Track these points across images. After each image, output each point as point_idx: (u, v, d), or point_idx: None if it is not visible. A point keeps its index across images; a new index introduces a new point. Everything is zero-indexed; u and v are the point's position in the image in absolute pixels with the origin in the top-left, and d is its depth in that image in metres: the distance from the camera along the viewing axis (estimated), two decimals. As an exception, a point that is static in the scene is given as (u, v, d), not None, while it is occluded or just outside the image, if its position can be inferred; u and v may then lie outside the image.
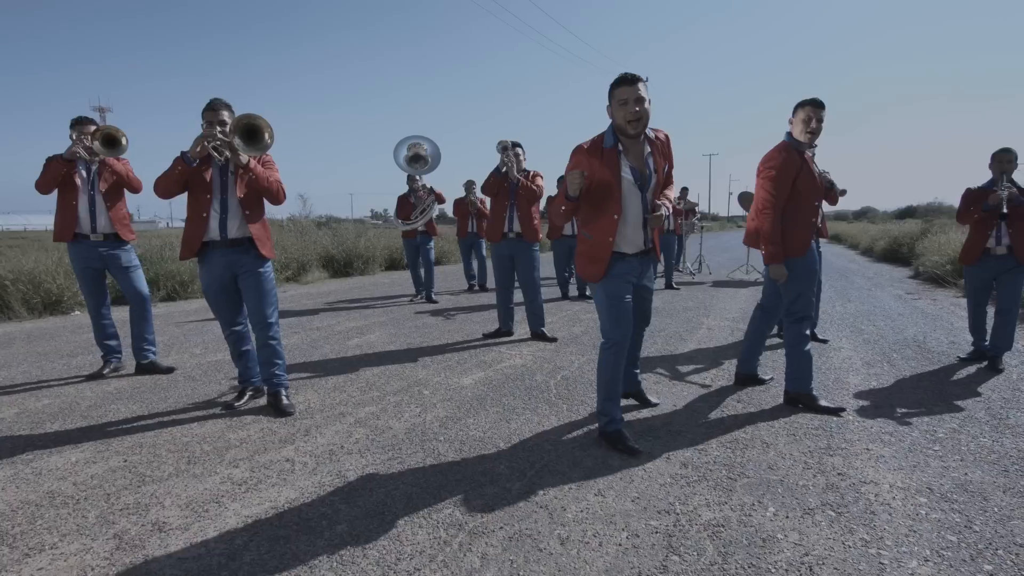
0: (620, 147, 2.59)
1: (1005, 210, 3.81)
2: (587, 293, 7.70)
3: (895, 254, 13.30)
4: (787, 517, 2.09)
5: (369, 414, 3.15)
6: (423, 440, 2.78)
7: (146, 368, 4.08)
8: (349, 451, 2.66)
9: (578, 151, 2.62)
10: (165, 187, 3.06)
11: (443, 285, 9.48)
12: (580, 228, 2.77)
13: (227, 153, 3.01)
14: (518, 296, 5.27)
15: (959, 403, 3.35)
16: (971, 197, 4.12)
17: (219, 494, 2.26)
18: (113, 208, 3.98)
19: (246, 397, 3.34)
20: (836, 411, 3.18)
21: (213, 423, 3.04)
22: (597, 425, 2.82)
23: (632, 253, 2.70)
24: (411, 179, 7.40)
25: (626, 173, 2.59)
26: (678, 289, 8.61)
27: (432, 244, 7.62)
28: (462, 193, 8.38)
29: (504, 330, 5.17)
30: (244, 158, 3.04)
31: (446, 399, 3.41)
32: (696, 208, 10.46)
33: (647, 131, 2.65)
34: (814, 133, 3.12)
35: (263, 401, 3.31)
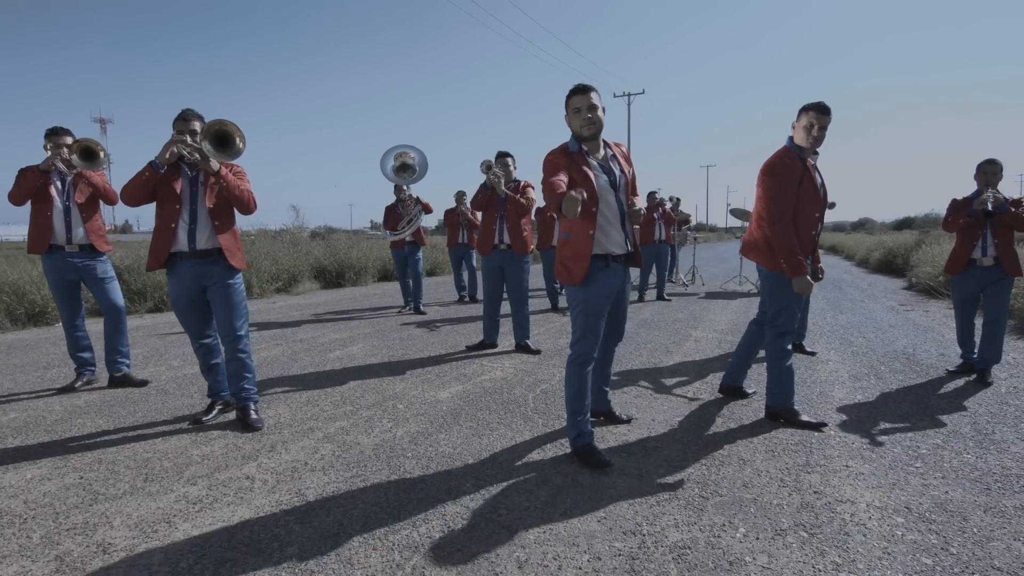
0: (585, 149, 2.63)
1: (990, 207, 3.76)
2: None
3: (890, 265, 13.26)
4: (757, 538, 2.01)
5: (339, 429, 3.08)
6: (390, 456, 2.71)
7: (119, 381, 4.01)
8: (312, 468, 2.58)
9: (553, 154, 2.62)
10: (131, 194, 3.01)
11: (434, 296, 9.42)
12: (560, 232, 2.76)
13: (197, 158, 2.97)
14: (506, 308, 5.21)
15: (944, 418, 3.27)
16: (956, 206, 4.08)
17: (171, 513, 2.18)
18: (89, 219, 3.93)
19: (215, 411, 3.26)
20: (817, 426, 3.10)
21: (178, 438, 2.96)
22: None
23: (617, 254, 2.67)
24: (398, 189, 7.37)
25: (597, 172, 2.63)
26: (669, 300, 8.55)
27: (420, 255, 7.57)
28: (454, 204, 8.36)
29: (488, 342, 5.11)
30: (215, 165, 3.00)
31: (420, 413, 3.33)
32: (689, 219, 10.43)
33: (606, 139, 2.73)
34: (816, 140, 2.98)
35: (233, 416, 3.24)
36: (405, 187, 7.31)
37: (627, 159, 2.79)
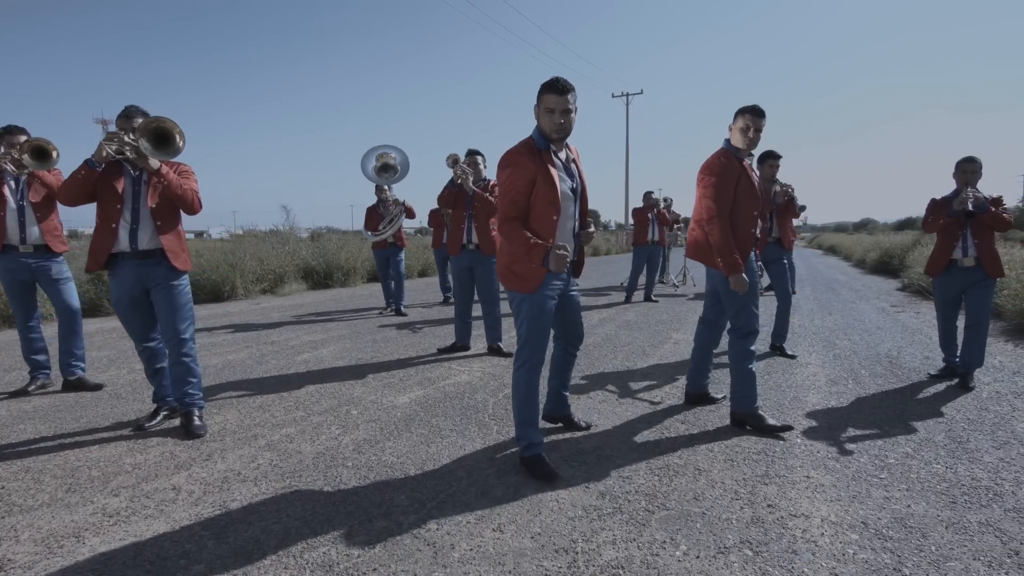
0: (552, 148, 2.50)
1: (971, 207, 3.62)
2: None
3: (886, 266, 13.08)
4: (698, 557, 1.89)
5: (284, 436, 2.96)
6: (329, 466, 2.59)
7: (73, 385, 3.90)
8: (245, 478, 2.46)
9: (517, 154, 2.44)
10: (68, 193, 2.91)
11: (419, 297, 9.31)
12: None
13: (134, 156, 2.86)
14: (477, 310, 5.09)
15: (919, 424, 3.14)
16: (935, 206, 3.95)
17: (83, 527, 2.07)
18: (44, 219, 3.83)
19: (159, 417, 3.15)
20: (784, 430, 2.98)
21: (115, 446, 2.85)
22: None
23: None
24: (379, 189, 7.26)
25: (563, 176, 2.51)
26: (656, 302, 8.42)
27: (402, 256, 7.45)
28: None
29: (460, 345, 4.99)
30: (155, 163, 2.90)
31: (372, 420, 3.21)
32: (680, 219, 10.28)
33: (568, 142, 2.62)
34: (752, 142, 3.01)
35: (178, 422, 3.12)
36: (387, 187, 7.20)
37: (579, 164, 2.68)
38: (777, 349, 4.88)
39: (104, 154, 2.84)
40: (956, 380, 3.96)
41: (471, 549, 1.92)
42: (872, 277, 12.65)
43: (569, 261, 2.59)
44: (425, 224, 8.87)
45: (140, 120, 2.98)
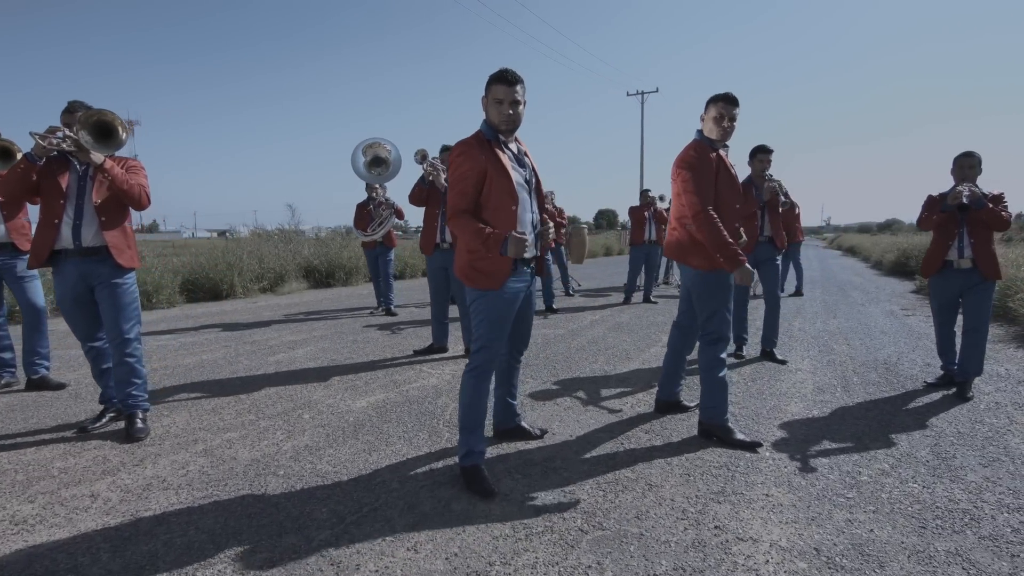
0: (502, 139, 2.38)
1: (965, 201, 3.36)
2: (552, 306, 7.34)
3: (903, 267, 12.63)
4: (622, 585, 1.72)
5: (224, 441, 2.85)
6: (259, 474, 2.47)
7: (36, 384, 3.86)
8: (168, 486, 2.36)
9: (466, 146, 2.31)
10: (6, 187, 2.84)
11: (415, 297, 9.21)
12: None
13: (74, 149, 2.78)
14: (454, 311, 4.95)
15: (903, 438, 2.91)
16: (931, 202, 3.69)
17: (-16, 537, 1.98)
18: (11, 218, 3.81)
19: (105, 419, 3.07)
20: (752, 446, 2.78)
21: (52, 448, 2.77)
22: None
23: (527, 258, 2.44)
24: (370, 188, 7.16)
25: (514, 165, 2.38)
26: (655, 303, 8.19)
27: (392, 256, 7.36)
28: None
29: (437, 346, 4.86)
30: (98, 158, 2.82)
31: (322, 425, 3.09)
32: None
33: (517, 136, 2.49)
34: (726, 131, 2.81)
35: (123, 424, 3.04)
36: (378, 187, 7.10)
37: (531, 158, 2.55)
38: (767, 354, 4.65)
39: (45, 145, 2.77)
40: (954, 389, 3.71)
41: (376, 571, 1.78)
42: (888, 279, 12.20)
43: (532, 258, 2.46)
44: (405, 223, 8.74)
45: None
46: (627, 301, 8.28)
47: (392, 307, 7.29)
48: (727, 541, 1.96)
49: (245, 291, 9.49)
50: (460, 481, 2.37)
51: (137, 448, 2.77)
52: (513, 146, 2.44)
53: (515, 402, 2.82)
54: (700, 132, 2.88)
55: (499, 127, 2.33)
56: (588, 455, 2.69)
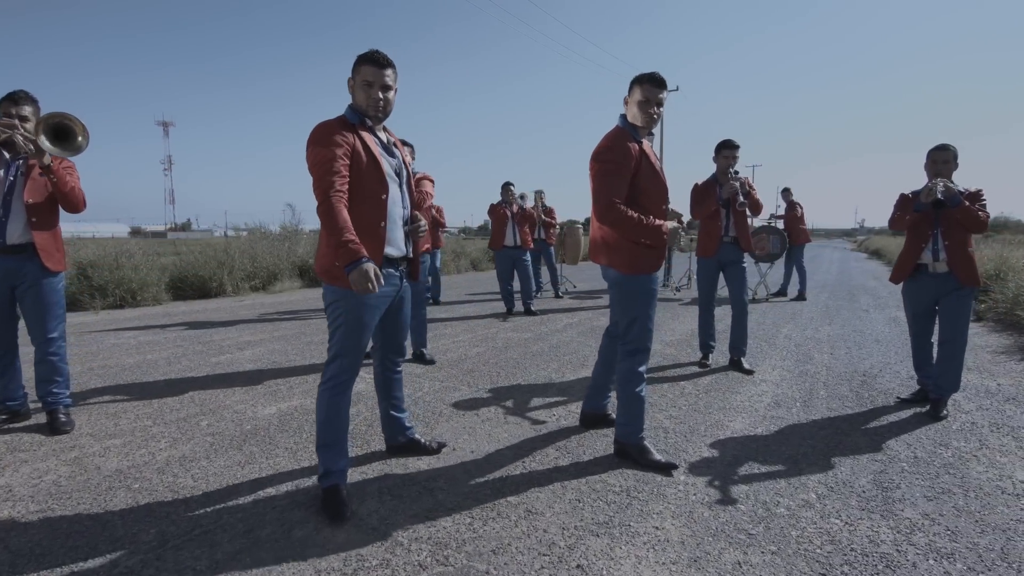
0: (369, 124, 2.16)
1: (940, 196, 2.99)
2: (532, 308, 7.07)
3: (924, 271, 11.93)
4: (429, 638, 1.47)
5: (102, 449, 2.69)
6: (112, 488, 2.29)
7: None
8: (11, 496, 2.20)
9: (329, 127, 2.03)
10: None
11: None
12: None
13: (31, 149, 2.65)
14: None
15: (847, 462, 2.58)
16: (904, 201, 3.32)
17: None
18: None
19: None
20: (666, 468, 2.49)
21: (-73, 452, 2.65)
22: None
23: (396, 257, 2.22)
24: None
25: (383, 152, 2.16)
26: (644, 306, 7.84)
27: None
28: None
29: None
30: (48, 159, 2.70)
31: (214, 433, 2.91)
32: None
33: (386, 126, 2.28)
34: (652, 117, 2.50)
35: (9, 427, 2.92)
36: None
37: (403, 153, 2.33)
38: (734, 363, 4.31)
39: None
40: (928, 407, 3.33)
41: (161, 608, 1.57)
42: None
43: (401, 258, 2.25)
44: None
45: (28, 107, 2.79)
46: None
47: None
48: (581, 586, 1.69)
49: (235, 289, 9.47)
50: (317, 502, 2.15)
51: (8, 453, 2.63)
52: (382, 134, 2.21)
53: (402, 415, 2.58)
54: (623, 118, 2.58)
55: (367, 112, 2.11)
56: (479, 475, 2.44)
